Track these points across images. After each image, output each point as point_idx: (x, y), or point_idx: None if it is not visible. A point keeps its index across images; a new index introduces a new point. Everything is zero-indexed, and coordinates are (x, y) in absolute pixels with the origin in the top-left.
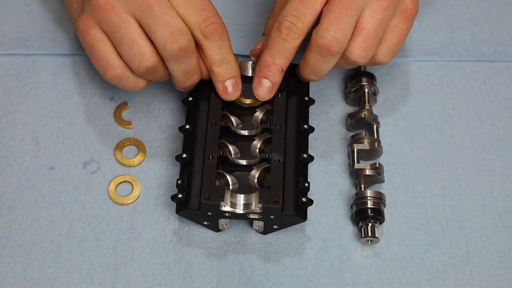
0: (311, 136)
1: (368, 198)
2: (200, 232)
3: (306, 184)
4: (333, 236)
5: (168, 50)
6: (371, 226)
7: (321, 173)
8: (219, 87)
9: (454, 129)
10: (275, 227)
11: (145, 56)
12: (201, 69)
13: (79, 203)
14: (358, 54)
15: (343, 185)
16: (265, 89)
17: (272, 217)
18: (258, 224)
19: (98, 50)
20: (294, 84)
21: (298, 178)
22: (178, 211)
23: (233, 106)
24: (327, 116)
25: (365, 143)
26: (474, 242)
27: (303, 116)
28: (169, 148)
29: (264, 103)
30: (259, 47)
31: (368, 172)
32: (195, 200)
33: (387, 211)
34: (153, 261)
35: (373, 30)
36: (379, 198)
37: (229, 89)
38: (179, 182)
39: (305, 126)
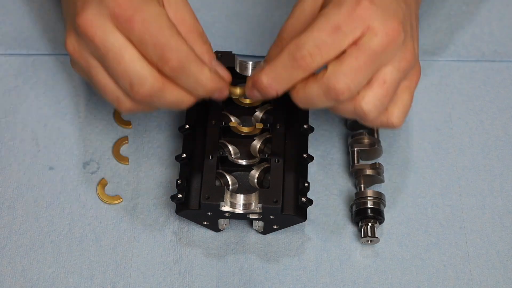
0: (311, 136)
1: (368, 198)
2: (200, 232)
3: (306, 184)
4: (333, 236)
5: (132, 98)
6: (371, 226)
7: (321, 173)
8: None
9: (454, 129)
10: (275, 227)
11: (121, 100)
12: (187, 92)
13: (79, 203)
14: (374, 105)
15: (343, 185)
16: (254, 96)
17: (272, 217)
18: (258, 224)
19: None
20: None
21: (298, 178)
22: (178, 211)
23: (233, 106)
24: (327, 116)
25: (365, 143)
26: (474, 242)
27: (303, 116)
28: (169, 148)
29: (263, 103)
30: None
31: (368, 172)
32: (194, 200)
33: (386, 211)
34: (153, 261)
35: (393, 85)
36: (379, 198)
37: (218, 98)
38: (178, 182)
39: (305, 126)
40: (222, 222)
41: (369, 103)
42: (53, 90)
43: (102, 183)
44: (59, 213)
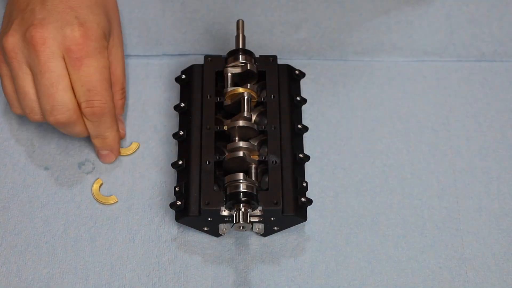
0: (308, 137)
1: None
2: (195, 233)
3: (304, 184)
4: (329, 237)
5: (47, 119)
6: (243, 212)
7: (317, 175)
8: (96, 153)
9: (451, 131)
10: (276, 228)
11: (35, 111)
12: None
13: (74, 203)
14: None
15: (339, 187)
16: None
17: (272, 218)
18: (259, 227)
19: (4, 85)
20: (286, 84)
21: (296, 179)
22: (178, 218)
23: (226, 110)
24: (324, 117)
25: None
26: (470, 244)
27: (297, 116)
28: (164, 149)
29: (256, 105)
30: None
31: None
32: (194, 207)
33: (382, 213)
34: (148, 262)
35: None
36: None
37: (104, 158)
38: (176, 189)
39: (299, 126)
40: (222, 227)
41: None
42: None
43: (98, 183)
44: (54, 213)
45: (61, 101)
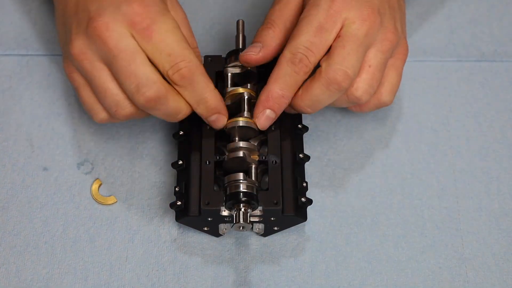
0: (308, 137)
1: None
2: (194, 233)
3: (304, 184)
4: (329, 237)
5: (136, 101)
6: (243, 212)
7: (317, 175)
8: (206, 121)
9: (451, 131)
10: (276, 228)
11: (121, 105)
12: (188, 104)
13: (73, 204)
14: (364, 90)
15: (339, 187)
16: (269, 120)
17: (272, 219)
18: (259, 227)
19: (82, 95)
20: None
21: (296, 179)
22: (178, 218)
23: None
24: (324, 117)
25: None
26: (470, 244)
27: (297, 116)
28: (163, 149)
29: None
30: (253, 54)
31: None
32: (194, 207)
33: (382, 213)
34: (148, 262)
35: (378, 68)
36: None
37: (215, 123)
38: (176, 189)
39: (299, 126)
40: (222, 227)
41: (359, 89)
42: (48, 91)
43: (97, 184)
44: (53, 214)
45: (144, 75)
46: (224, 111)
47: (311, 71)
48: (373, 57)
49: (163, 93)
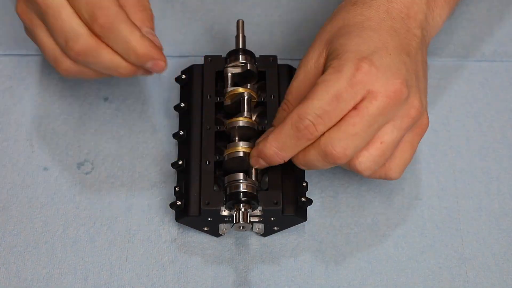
0: None
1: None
2: (194, 233)
3: (304, 184)
4: (329, 237)
5: (68, 55)
6: (243, 212)
7: (317, 175)
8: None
9: (451, 131)
10: (276, 228)
11: (59, 59)
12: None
13: (74, 203)
14: (367, 166)
15: (339, 187)
16: (262, 166)
17: (272, 219)
18: (259, 227)
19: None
20: (286, 84)
21: (296, 179)
22: (178, 218)
23: (225, 110)
24: None
25: None
26: (470, 244)
27: None
28: (164, 149)
29: (256, 105)
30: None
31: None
32: (194, 207)
33: (383, 213)
34: (148, 262)
35: (391, 146)
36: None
37: (154, 70)
38: (176, 189)
39: None
40: (222, 227)
41: (362, 164)
42: (48, 91)
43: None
44: (54, 214)
45: (70, 28)
46: (158, 55)
47: (316, 139)
48: (389, 133)
49: (93, 46)
